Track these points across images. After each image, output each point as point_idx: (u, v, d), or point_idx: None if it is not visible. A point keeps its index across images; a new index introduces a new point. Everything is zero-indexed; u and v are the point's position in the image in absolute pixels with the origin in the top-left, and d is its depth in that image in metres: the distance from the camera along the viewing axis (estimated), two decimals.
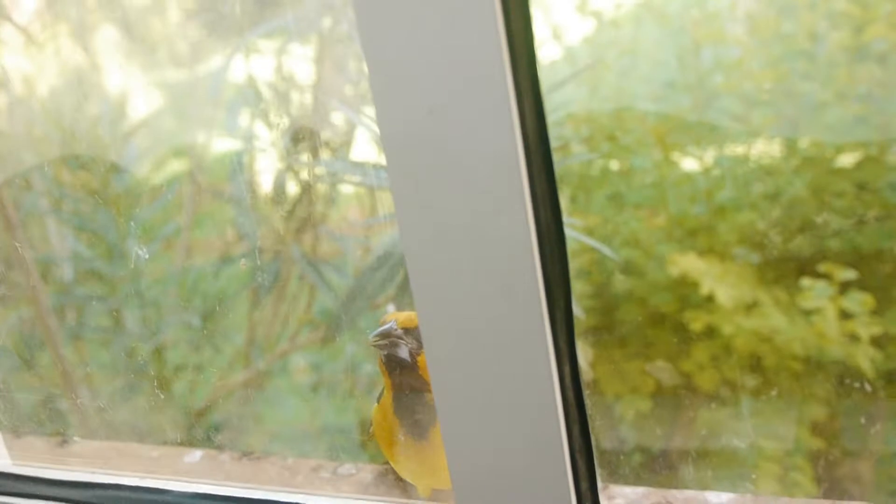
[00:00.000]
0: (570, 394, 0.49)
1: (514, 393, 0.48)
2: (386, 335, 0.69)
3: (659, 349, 1.63)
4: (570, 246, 1.60)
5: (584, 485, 0.51)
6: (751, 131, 1.60)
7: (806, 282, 1.44)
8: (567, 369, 0.49)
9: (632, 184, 1.64)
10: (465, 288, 0.47)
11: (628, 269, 1.61)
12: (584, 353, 1.40)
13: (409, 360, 0.67)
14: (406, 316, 0.71)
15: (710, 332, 1.54)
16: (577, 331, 1.48)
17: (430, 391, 0.67)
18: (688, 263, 1.44)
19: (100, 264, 2.03)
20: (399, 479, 0.73)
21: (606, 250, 1.38)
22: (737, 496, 0.73)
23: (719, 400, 1.71)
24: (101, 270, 2.06)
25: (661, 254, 1.53)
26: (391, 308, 1.13)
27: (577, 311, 1.29)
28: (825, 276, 1.42)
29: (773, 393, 1.55)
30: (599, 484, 0.71)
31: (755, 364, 1.56)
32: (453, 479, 0.53)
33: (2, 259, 2.20)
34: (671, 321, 1.57)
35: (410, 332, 0.68)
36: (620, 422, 1.79)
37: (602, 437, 1.87)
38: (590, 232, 1.60)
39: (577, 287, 1.58)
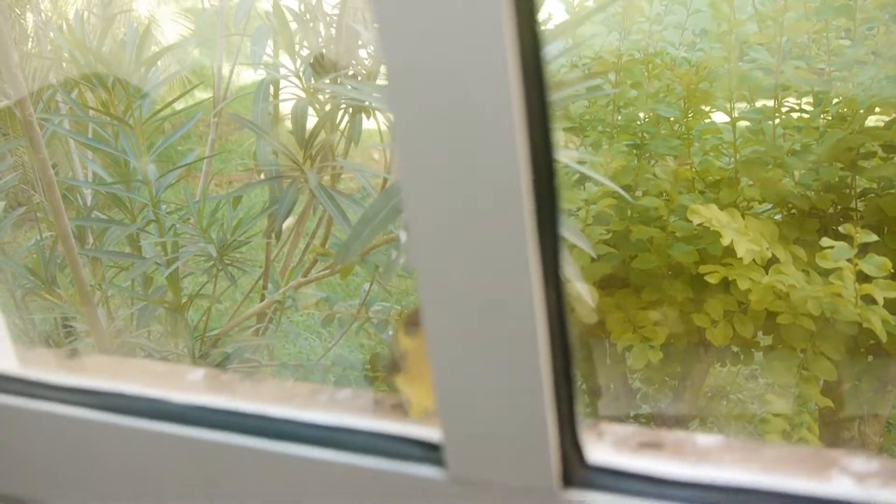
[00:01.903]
0: (555, 323, 0.48)
1: (498, 319, 0.48)
2: None
3: (673, 301, 1.62)
4: (591, 190, 1.59)
5: (565, 413, 0.51)
6: (781, 85, 1.57)
7: (826, 241, 1.42)
8: (553, 297, 0.48)
9: (657, 132, 1.62)
10: (454, 213, 0.47)
11: (648, 217, 1.60)
12: (593, 297, 1.39)
13: None
14: None
15: (726, 287, 1.53)
16: (590, 276, 1.47)
17: None
18: (709, 215, 1.42)
19: (120, 189, 2.03)
20: (395, 405, 0.73)
21: (620, 190, 1.36)
22: (724, 439, 0.72)
23: (731, 355, 1.71)
24: (121, 196, 2.07)
25: (683, 204, 1.51)
26: (403, 235, 1.12)
27: (591, 252, 1.28)
28: (845, 237, 1.40)
29: (785, 350, 1.55)
30: (587, 420, 0.70)
31: (769, 321, 1.55)
32: (438, 401, 0.53)
33: (26, 180, 2.21)
34: (688, 273, 1.56)
35: None
36: (630, 371, 1.80)
37: (610, 387, 1.88)
38: (612, 179, 1.58)
39: (596, 232, 1.57)
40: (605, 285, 1.68)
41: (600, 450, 0.62)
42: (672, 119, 1.62)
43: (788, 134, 1.60)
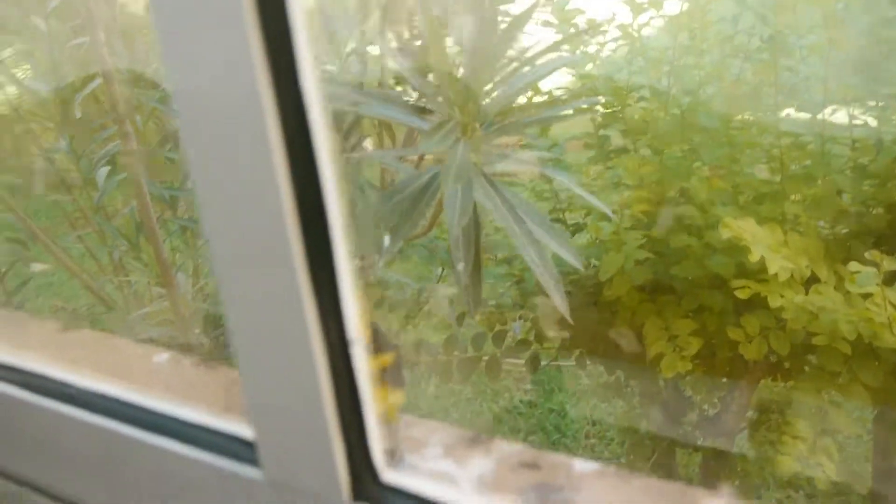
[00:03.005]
0: (335, 349, 0.52)
1: (282, 340, 0.52)
2: None
3: (711, 312, 1.60)
4: (623, 195, 1.58)
5: (353, 433, 0.54)
6: (834, 99, 1.52)
7: (854, 266, 1.38)
8: (333, 325, 0.52)
9: (703, 141, 1.60)
10: (238, 236, 0.51)
11: (685, 227, 1.58)
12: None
13: None
14: None
15: (765, 303, 1.50)
16: (632, 280, 1.46)
17: None
18: (740, 228, 1.40)
19: None
20: None
21: (600, 205, 1.36)
22: (601, 466, 0.74)
23: (762, 371, 1.68)
24: None
25: (719, 216, 1.49)
26: (387, 239, 1.17)
27: (577, 263, 1.29)
28: (872, 263, 1.36)
29: (818, 372, 1.51)
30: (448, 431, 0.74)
31: (804, 341, 1.52)
32: (248, 402, 0.58)
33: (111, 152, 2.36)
34: (728, 286, 1.54)
35: None
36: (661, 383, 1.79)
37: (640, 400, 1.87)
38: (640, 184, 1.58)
39: (632, 237, 1.57)
40: (650, 291, 1.68)
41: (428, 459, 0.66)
42: (715, 129, 1.59)
43: (840, 149, 1.55)
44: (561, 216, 1.83)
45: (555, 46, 1.54)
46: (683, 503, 0.71)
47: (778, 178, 1.56)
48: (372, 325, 0.72)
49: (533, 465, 0.78)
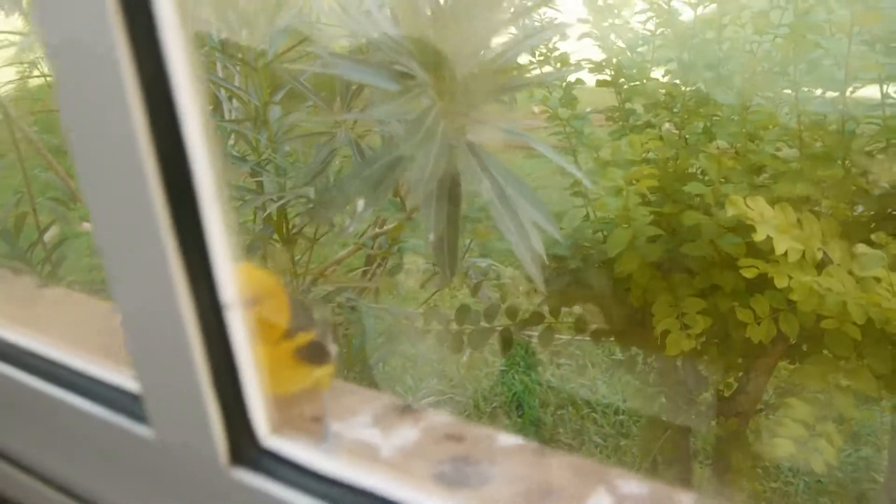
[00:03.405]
0: (208, 315, 0.53)
1: (153, 303, 0.53)
2: None
3: (722, 292, 1.58)
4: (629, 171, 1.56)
5: (230, 396, 0.55)
6: (862, 77, 1.48)
7: (861, 248, 1.34)
8: (204, 289, 0.52)
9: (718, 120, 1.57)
10: (111, 199, 0.52)
11: (694, 204, 1.56)
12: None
13: None
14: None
15: (767, 285, 1.47)
16: (645, 256, 1.44)
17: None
18: (745, 207, 1.37)
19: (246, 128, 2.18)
20: None
21: (578, 173, 1.34)
22: (524, 442, 0.74)
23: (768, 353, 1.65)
24: (246, 134, 2.22)
25: (728, 194, 1.46)
26: (360, 204, 1.17)
27: (557, 236, 1.27)
28: (881, 245, 1.32)
29: (823, 356, 1.48)
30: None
31: (814, 325, 1.49)
32: (133, 359, 0.59)
33: None
34: (732, 266, 1.51)
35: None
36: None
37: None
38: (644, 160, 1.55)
39: (640, 213, 1.55)
40: (664, 269, 1.66)
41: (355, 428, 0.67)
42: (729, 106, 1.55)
43: (861, 129, 1.50)
44: (581, 189, 1.82)
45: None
46: (595, 480, 0.71)
47: (796, 158, 1.52)
48: (293, 303, 0.73)
49: (458, 438, 0.78)
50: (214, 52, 2.34)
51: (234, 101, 2.34)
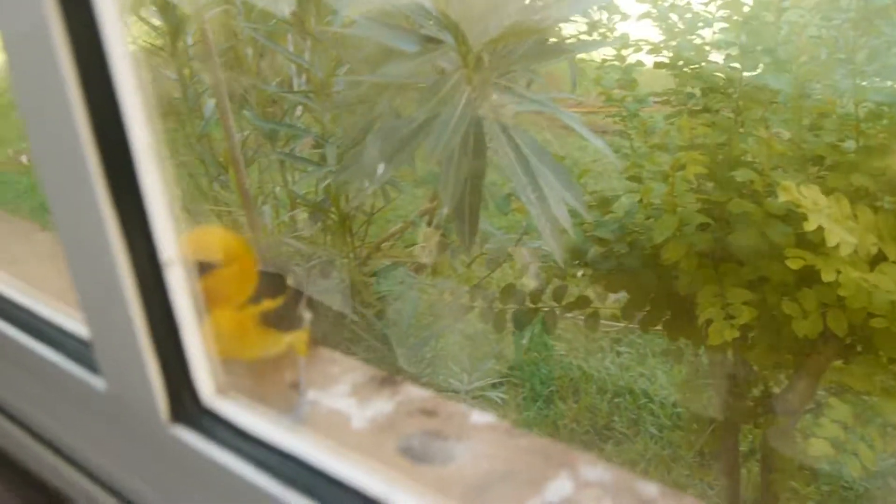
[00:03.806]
0: (148, 278, 0.53)
1: (98, 267, 0.54)
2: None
3: (770, 283, 1.53)
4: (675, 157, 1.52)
5: (171, 357, 0.56)
6: None
7: None
8: (142, 249, 0.53)
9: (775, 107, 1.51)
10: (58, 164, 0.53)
11: (745, 193, 1.51)
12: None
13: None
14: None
15: (817, 278, 1.41)
16: (692, 244, 1.41)
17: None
18: (798, 194, 1.32)
19: (307, 99, 2.20)
20: None
21: (606, 148, 1.29)
22: (496, 421, 0.73)
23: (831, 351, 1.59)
24: (310, 105, 2.24)
25: (778, 181, 1.41)
26: (380, 168, 1.15)
27: (582, 210, 1.24)
28: None
29: (871, 357, 1.42)
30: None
31: (864, 322, 1.43)
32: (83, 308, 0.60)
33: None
34: (775, 257, 1.46)
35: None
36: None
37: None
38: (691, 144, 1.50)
39: (687, 200, 1.51)
40: (713, 257, 1.61)
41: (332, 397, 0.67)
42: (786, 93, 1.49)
43: None
44: (636, 173, 1.78)
45: None
46: (560, 464, 0.69)
47: (852, 148, 1.46)
48: (262, 272, 0.73)
49: (431, 413, 0.78)
50: (286, 26, 2.36)
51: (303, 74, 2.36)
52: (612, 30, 1.79)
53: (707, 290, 1.55)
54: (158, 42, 2.37)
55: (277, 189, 2.42)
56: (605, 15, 1.84)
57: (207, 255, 0.63)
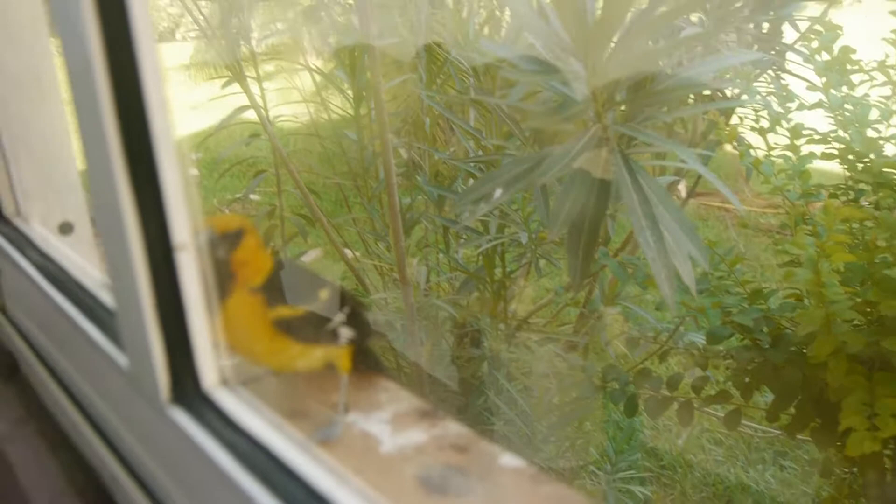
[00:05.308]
0: (161, 272, 0.54)
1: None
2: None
3: None
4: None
5: (177, 343, 0.56)
6: None
7: None
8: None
9: None
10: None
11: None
12: None
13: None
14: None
15: None
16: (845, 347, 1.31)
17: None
18: None
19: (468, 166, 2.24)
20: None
21: (729, 194, 1.21)
22: (524, 466, 0.72)
23: None
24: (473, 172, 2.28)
25: None
26: (497, 192, 1.14)
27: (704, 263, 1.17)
28: None
29: None
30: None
31: None
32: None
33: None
34: None
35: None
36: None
37: None
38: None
39: (835, 291, 1.40)
40: (866, 362, 1.49)
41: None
42: None
43: None
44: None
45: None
46: None
47: None
48: (276, 267, 0.72)
49: (462, 449, 0.76)
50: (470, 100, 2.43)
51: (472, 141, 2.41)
52: (786, 117, 1.72)
53: (854, 397, 1.43)
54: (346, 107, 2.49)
55: (440, 256, 2.46)
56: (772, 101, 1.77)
57: (230, 226, 0.63)
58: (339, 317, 0.71)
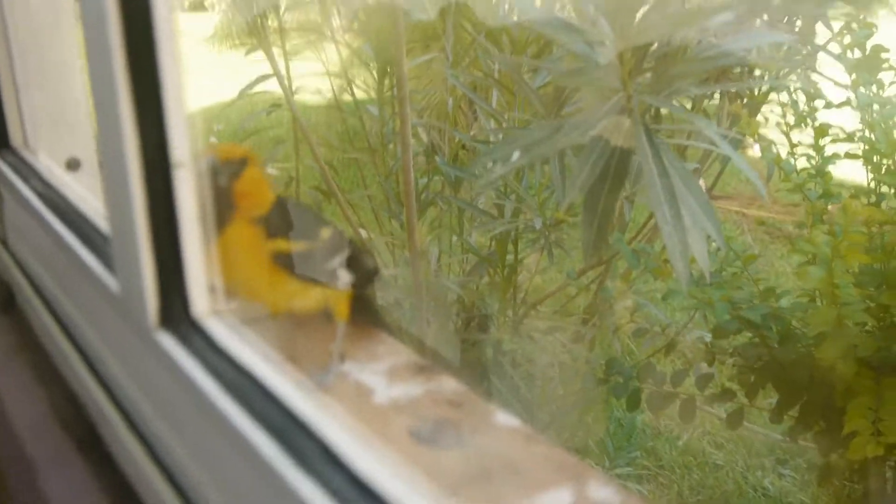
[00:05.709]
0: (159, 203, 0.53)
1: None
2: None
3: None
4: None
5: (169, 270, 0.55)
6: None
7: None
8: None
9: None
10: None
11: None
12: None
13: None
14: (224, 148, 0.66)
15: None
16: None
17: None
18: None
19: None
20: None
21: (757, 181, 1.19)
22: (520, 426, 0.71)
23: None
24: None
25: None
26: (515, 155, 1.12)
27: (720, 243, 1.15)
28: None
29: None
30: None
31: None
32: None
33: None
34: None
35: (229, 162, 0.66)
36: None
37: None
38: None
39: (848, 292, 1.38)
40: (876, 366, 1.46)
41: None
42: None
43: None
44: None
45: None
46: (566, 476, 0.65)
47: None
48: (278, 202, 0.70)
49: (457, 404, 0.75)
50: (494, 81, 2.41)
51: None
52: (810, 112, 1.69)
53: (860, 401, 1.41)
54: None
55: (454, 238, 2.44)
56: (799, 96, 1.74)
57: (234, 154, 0.62)
58: (339, 258, 0.70)
